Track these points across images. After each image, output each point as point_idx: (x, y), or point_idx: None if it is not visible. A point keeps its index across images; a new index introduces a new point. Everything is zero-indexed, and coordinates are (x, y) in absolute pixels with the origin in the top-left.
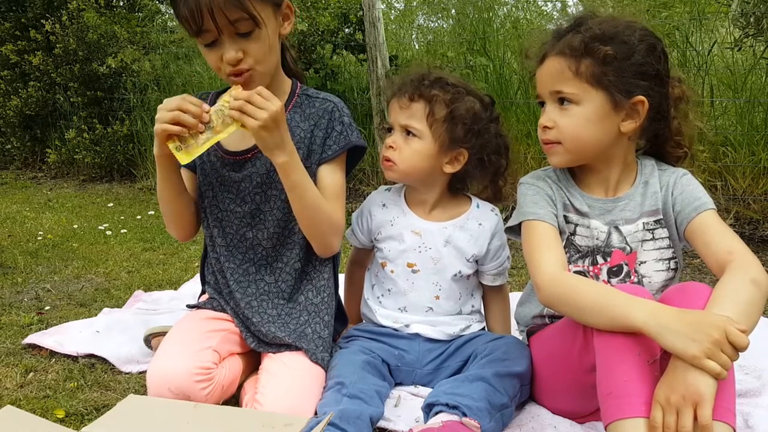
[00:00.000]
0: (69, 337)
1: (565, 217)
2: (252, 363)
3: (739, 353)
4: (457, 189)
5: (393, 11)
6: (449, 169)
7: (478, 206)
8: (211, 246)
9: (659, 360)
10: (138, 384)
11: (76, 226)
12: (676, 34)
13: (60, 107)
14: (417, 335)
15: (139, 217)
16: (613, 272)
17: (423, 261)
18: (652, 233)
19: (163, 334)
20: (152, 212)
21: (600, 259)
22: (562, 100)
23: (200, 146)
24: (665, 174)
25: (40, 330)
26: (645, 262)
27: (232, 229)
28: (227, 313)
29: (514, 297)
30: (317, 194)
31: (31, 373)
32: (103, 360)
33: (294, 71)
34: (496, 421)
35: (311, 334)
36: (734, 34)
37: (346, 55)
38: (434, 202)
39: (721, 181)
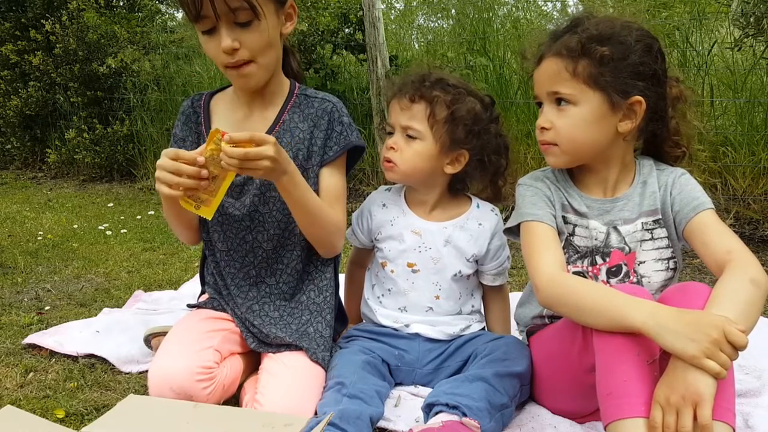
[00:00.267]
0: (69, 337)
1: (563, 217)
2: (252, 363)
3: (739, 353)
4: (457, 189)
5: (393, 11)
6: (450, 170)
7: (478, 206)
8: (210, 251)
9: (658, 360)
10: (138, 384)
11: (76, 226)
12: (676, 34)
13: (60, 107)
14: (417, 335)
15: (139, 217)
16: (612, 272)
17: (423, 261)
18: (651, 233)
19: (163, 334)
20: (152, 212)
21: (599, 260)
22: (559, 101)
23: (216, 198)
24: (664, 174)
25: (40, 330)
26: (644, 262)
27: (231, 233)
28: (227, 313)
29: (514, 297)
30: (318, 201)
31: (31, 373)
32: (103, 360)
33: (295, 73)
34: (496, 421)
35: (313, 333)
36: (734, 34)
37: (346, 55)
38: (434, 203)
39: (720, 181)
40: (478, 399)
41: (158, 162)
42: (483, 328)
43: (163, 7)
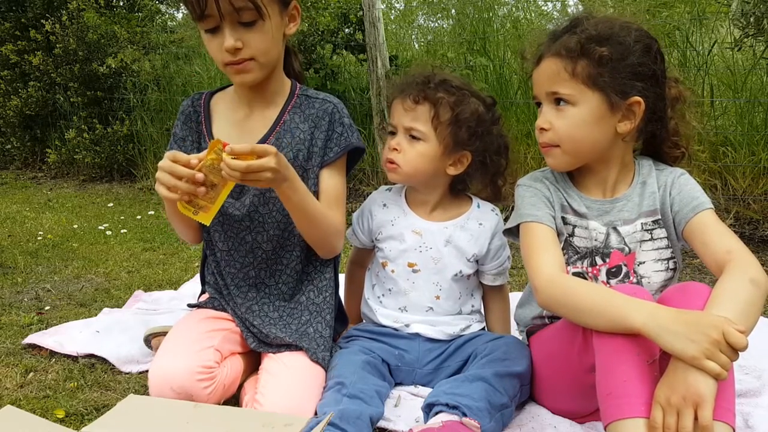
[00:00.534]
0: (69, 337)
1: (563, 218)
2: (252, 363)
3: (739, 353)
4: (458, 189)
5: (393, 11)
6: (452, 171)
7: (478, 206)
8: (210, 251)
9: (658, 360)
10: (138, 384)
11: (76, 226)
12: (676, 34)
13: (60, 107)
14: (417, 335)
15: (139, 217)
16: (612, 273)
17: (423, 261)
18: (651, 233)
19: (163, 334)
20: (152, 212)
21: (599, 260)
22: (558, 101)
23: (215, 205)
24: (663, 174)
25: (40, 330)
26: (644, 262)
27: (232, 233)
28: (228, 312)
29: (514, 297)
30: (317, 205)
31: (31, 373)
32: (103, 360)
33: (296, 73)
34: (496, 421)
35: (313, 333)
36: (734, 34)
37: (346, 55)
38: (435, 203)
39: (720, 181)
40: (478, 399)
41: (159, 163)
42: (483, 328)
43: (163, 7)
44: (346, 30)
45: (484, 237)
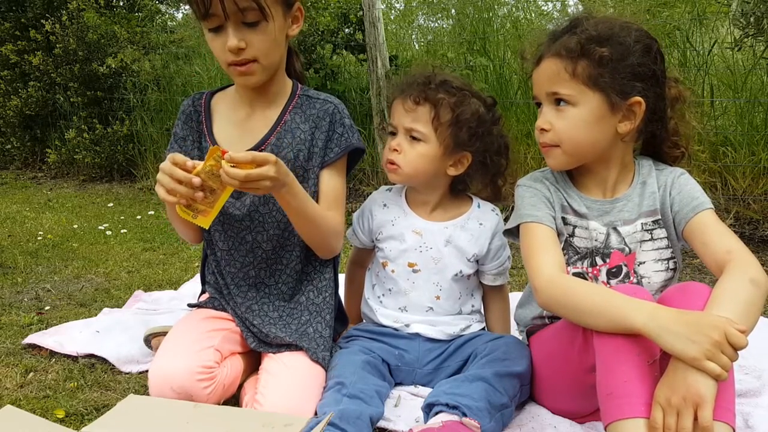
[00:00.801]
0: (69, 337)
1: (563, 218)
2: (252, 363)
3: (739, 353)
4: (458, 190)
5: (393, 11)
6: (453, 171)
7: (479, 206)
8: (211, 251)
9: (659, 360)
10: (138, 384)
11: (76, 226)
12: (676, 34)
13: (60, 107)
14: (417, 335)
15: (139, 217)
16: (613, 273)
17: (424, 261)
18: (651, 234)
19: (163, 334)
20: (152, 212)
21: (599, 261)
22: (558, 102)
23: (214, 209)
24: (663, 174)
25: (40, 330)
26: (644, 262)
27: (232, 233)
28: (228, 312)
29: (514, 297)
30: (316, 208)
31: (31, 373)
32: (103, 360)
33: (298, 74)
34: (496, 421)
35: (313, 333)
36: (734, 34)
37: (346, 55)
38: (436, 203)
39: (720, 181)
40: (478, 399)
41: (161, 165)
42: (483, 328)
43: (163, 7)
44: (346, 30)
45: (485, 237)
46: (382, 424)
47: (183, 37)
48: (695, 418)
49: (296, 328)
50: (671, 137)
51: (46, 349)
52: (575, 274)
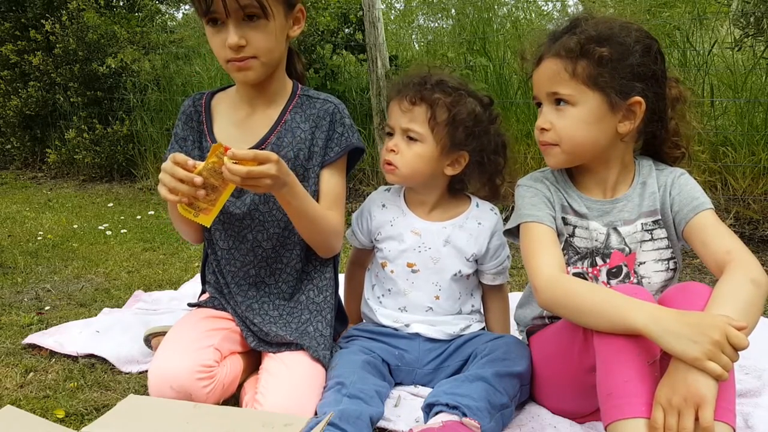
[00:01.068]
0: (69, 337)
1: (563, 218)
2: (252, 362)
3: (739, 353)
4: (456, 189)
5: (393, 11)
6: (450, 171)
7: (477, 205)
8: (211, 250)
9: (659, 360)
10: (138, 384)
11: (76, 226)
12: (676, 34)
13: (60, 107)
14: (417, 335)
15: (139, 217)
16: (613, 273)
17: (423, 261)
18: (651, 234)
19: (163, 334)
20: (152, 212)
21: (599, 261)
22: (558, 101)
23: (216, 207)
24: (663, 174)
25: (40, 330)
26: (644, 262)
27: (233, 231)
28: (228, 312)
29: (514, 297)
30: (316, 208)
31: (31, 373)
32: (103, 360)
33: (298, 74)
34: (496, 421)
35: (313, 332)
36: (734, 34)
37: (346, 55)
38: (434, 203)
39: (721, 181)
40: (478, 399)
41: (162, 165)
42: (483, 328)
43: (163, 7)
44: (346, 30)
45: (483, 236)
46: (382, 424)
47: (183, 37)
48: (696, 419)
49: (296, 327)
50: (672, 137)
51: (46, 349)
52: (575, 275)
